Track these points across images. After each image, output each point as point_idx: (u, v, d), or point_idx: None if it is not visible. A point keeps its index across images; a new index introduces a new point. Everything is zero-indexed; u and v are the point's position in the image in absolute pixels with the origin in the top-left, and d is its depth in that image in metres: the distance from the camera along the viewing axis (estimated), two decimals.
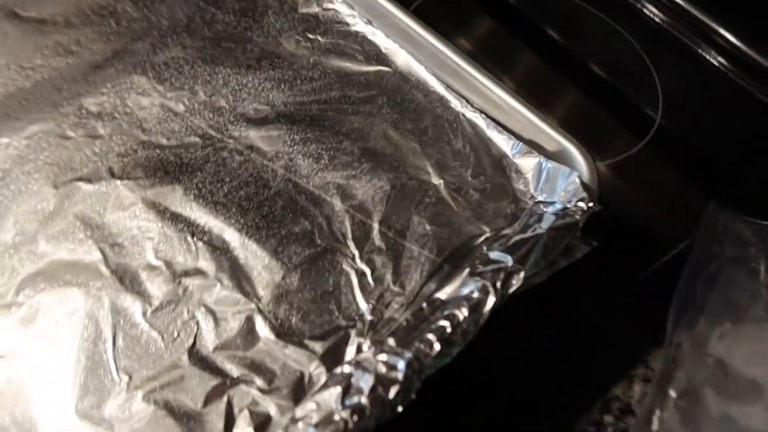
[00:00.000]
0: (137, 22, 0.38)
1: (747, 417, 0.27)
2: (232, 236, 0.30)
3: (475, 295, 0.27)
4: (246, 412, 0.25)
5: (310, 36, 0.40)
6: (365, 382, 0.24)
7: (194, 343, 0.27)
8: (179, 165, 0.33)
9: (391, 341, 0.26)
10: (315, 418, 0.23)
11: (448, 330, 0.26)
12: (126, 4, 0.39)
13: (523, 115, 0.36)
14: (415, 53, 0.39)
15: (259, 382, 0.26)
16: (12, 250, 0.29)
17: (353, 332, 0.28)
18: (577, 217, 0.30)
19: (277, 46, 0.39)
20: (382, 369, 0.24)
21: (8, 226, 0.29)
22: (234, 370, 0.26)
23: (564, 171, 0.33)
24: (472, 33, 0.45)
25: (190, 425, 0.25)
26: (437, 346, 0.25)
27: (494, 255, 0.29)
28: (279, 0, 0.41)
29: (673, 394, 0.26)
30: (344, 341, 0.28)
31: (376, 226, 0.32)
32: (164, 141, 0.33)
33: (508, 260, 0.28)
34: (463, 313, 0.26)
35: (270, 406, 0.26)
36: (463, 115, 0.37)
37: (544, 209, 0.32)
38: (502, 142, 0.35)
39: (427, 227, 0.32)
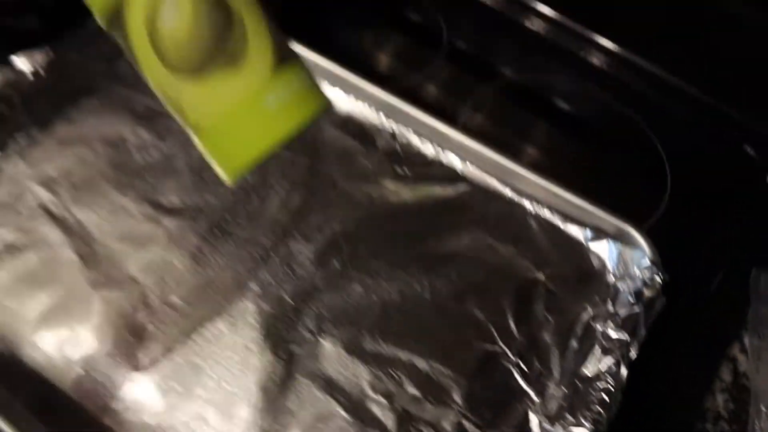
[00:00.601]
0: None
1: None
2: (420, 362, 0.40)
3: (613, 369, 0.38)
4: None
5: (399, 171, 0.49)
6: None
7: None
8: None
9: (569, 416, 0.37)
10: None
11: (607, 400, 0.37)
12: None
13: (584, 207, 0.47)
14: (483, 166, 0.49)
15: None
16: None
17: (530, 412, 0.39)
18: (657, 287, 0.42)
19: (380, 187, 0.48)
20: None
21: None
22: None
23: (632, 251, 0.44)
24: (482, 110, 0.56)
25: None
26: (605, 414, 0.36)
27: (614, 334, 0.40)
28: (363, 143, 0.50)
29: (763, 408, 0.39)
30: (525, 421, 0.38)
31: (512, 324, 0.42)
32: None
33: (626, 336, 0.39)
34: (611, 385, 0.38)
35: None
36: (537, 214, 0.47)
37: (629, 286, 0.43)
38: (575, 231, 0.46)
39: (547, 315, 0.43)
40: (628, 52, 0.59)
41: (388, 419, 0.37)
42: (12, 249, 0.41)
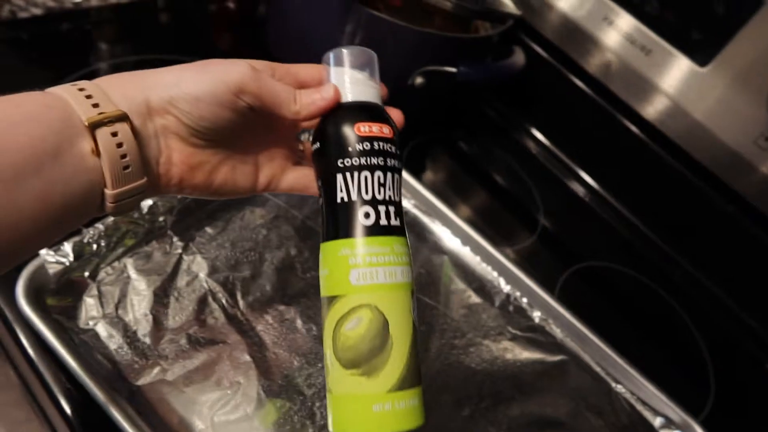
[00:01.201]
0: None
1: None
2: None
3: None
4: None
5: (512, 330, 0.57)
6: None
7: None
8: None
9: None
10: None
11: None
12: None
13: (659, 396, 0.55)
14: (578, 341, 0.58)
15: None
16: None
17: None
18: None
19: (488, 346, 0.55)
20: None
21: None
22: None
23: None
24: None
25: None
26: None
27: None
28: (489, 300, 0.58)
29: None
30: None
31: None
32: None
33: None
34: None
35: None
36: (620, 393, 0.56)
37: None
38: (649, 415, 0.55)
39: None
40: (703, 275, 0.71)
41: None
42: (196, 343, 0.46)
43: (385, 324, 0.32)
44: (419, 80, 0.61)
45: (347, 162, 0.33)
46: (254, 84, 0.32)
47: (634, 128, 0.74)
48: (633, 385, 0.56)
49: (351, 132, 0.33)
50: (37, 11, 0.62)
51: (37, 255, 0.43)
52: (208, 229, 0.53)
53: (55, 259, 0.43)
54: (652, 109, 0.70)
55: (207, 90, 0.31)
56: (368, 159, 0.33)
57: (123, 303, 0.46)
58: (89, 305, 0.45)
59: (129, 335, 0.44)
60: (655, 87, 0.69)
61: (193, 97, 0.31)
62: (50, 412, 0.43)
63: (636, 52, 0.68)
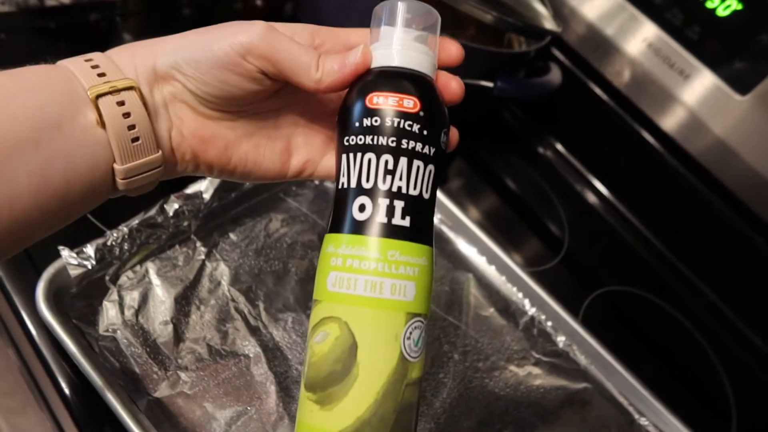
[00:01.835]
0: None
1: None
2: None
3: None
4: None
5: (535, 354, 0.55)
6: None
7: None
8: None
9: None
10: None
11: None
12: None
13: (683, 430, 0.54)
14: (602, 369, 0.56)
15: None
16: None
17: None
18: None
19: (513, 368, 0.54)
20: None
21: None
22: None
23: None
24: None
25: None
26: None
27: None
28: (514, 322, 0.56)
29: None
30: None
31: None
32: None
33: None
34: None
35: None
36: (640, 424, 0.54)
37: None
38: None
39: None
40: (727, 306, 0.70)
41: None
42: (216, 354, 0.44)
43: (353, 348, 0.26)
44: None
45: (351, 140, 0.28)
46: (265, 45, 0.27)
47: (664, 151, 0.73)
48: (657, 418, 0.54)
49: (360, 103, 0.27)
50: (65, 0, 0.61)
51: (58, 257, 0.41)
52: (232, 236, 0.51)
53: (77, 261, 0.42)
54: (686, 133, 0.69)
55: (209, 51, 0.27)
56: (374, 138, 0.27)
57: (143, 309, 0.44)
58: (109, 311, 0.43)
59: (149, 344, 0.43)
60: (691, 112, 0.67)
61: (194, 59, 0.27)
62: (62, 416, 0.41)
63: (674, 75, 0.67)
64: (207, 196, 0.49)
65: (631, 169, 0.77)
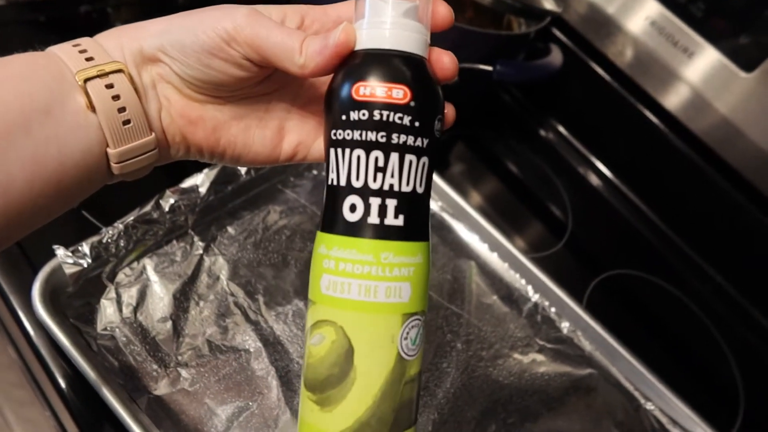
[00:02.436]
0: None
1: None
2: None
3: None
4: None
5: (539, 341, 0.55)
6: None
7: None
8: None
9: None
10: None
11: None
12: None
13: (690, 416, 0.53)
14: (607, 355, 0.56)
15: None
16: None
17: None
18: None
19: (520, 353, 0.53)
20: None
21: None
22: None
23: None
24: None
25: None
26: None
27: None
28: (517, 309, 0.56)
29: None
30: None
31: None
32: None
33: None
34: None
35: None
36: (649, 411, 0.54)
37: None
38: None
39: None
40: (735, 289, 0.69)
41: None
42: (216, 350, 0.44)
43: (349, 352, 0.25)
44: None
45: (339, 134, 0.26)
46: (248, 31, 0.26)
47: (668, 131, 0.71)
48: (663, 403, 0.54)
49: (346, 94, 0.26)
50: None
51: (53, 255, 0.41)
52: (230, 229, 0.51)
53: (72, 260, 0.41)
54: (690, 113, 0.68)
55: (193, 35, 0.27)
56: (362, 133, 0.25)
57: (142, 307, 0.44)
58: (107, 309, 0.43)
59: (148, 341, 0.43)
60: (695, 91, 0.66)
61: (180, 43, 0.27)
62: (64, 418, 0.41)
63: (677, 53, 0.65)
64: (203, 189, 0.49)
65: (635, 150, 0.76)
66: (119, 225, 0.44)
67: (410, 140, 0.26)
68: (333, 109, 0.26)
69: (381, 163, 0.25)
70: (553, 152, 0.79)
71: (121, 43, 0.28)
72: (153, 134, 0.28)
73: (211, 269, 0.48)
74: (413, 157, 0.26)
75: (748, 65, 0.61)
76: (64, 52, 0.27)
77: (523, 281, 0.58)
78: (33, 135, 0.24)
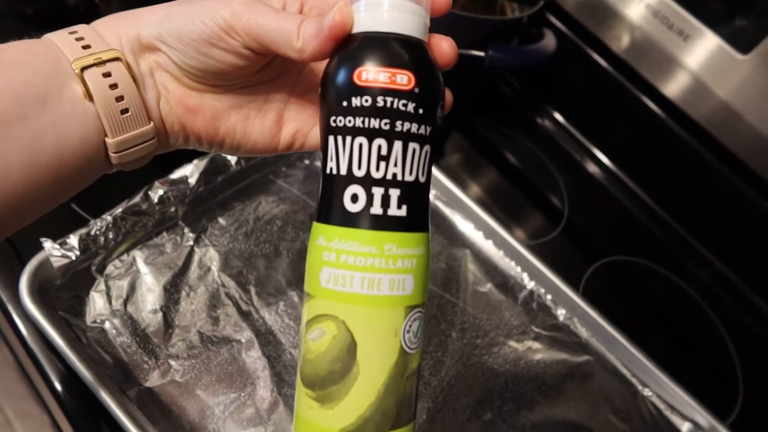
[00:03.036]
0: None
1: None
2: None
3: None
4: None
5: (535, 329, 0.54)
6: None
7: None
8: None
9: None
10: None
11: None
12: None
13: (689, 402, 0.53)
14: (603, 342, 0.55)
15: None
16: None
17: None
18: None
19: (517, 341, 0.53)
20: None
21: None
22: None
23: None
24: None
25: None
26: None
27: None
28: (512, 297, 0.55)
29: None
30: None
31: None
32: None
33: None
34: None
35: None
36: (646, 397, 0.54)
37: None
38: (677, 420, 0.53)
39: None
40: (734, 275, 0.68)
41: None
42: (208, 341, 0.44)
43: (352, 347, 0.24)
44: None
45: (339, 121, 0.25)
46: (246, 19, 0.26)
47: (665, 116, 0.70)
48: (661, 389, 0.53)
49: (348, 79, 0.25)
50: None
51: (41, 248, 0.41)
52: (221, 220, 0.50)
53: (60, 252, 0.41)
54: (688, 97, 0.67)
55: (191, 24, 0.26)
56: (364, 120, 0.24)
57: (132, 299, 0.44)
58: (96, 301, 0.43)
59: (138, 333, 0.42)
60: (692, 75, 0.65)
61: (178, 31, 0.27)
62: (55, 412, 0.41)
63: (673, 36, 0.64)
64: (192, 180, 0.48)
65: (632, 136, 0.75)
66: (107, 217, 0.44)
67: (414, 128, 0.25)
68: (331, 94, 0.25)
69: (384, 152, 0.24)
70: (550, 139, 0.78)
71: (119, 30, 0.27)
72: (151, 123, 0.28)
73: (201, 260, 0.47)
74: (416, 146, 0.25)
75: (744, 47, 0.60)
76: (61, 39, 0.26)
77: (518, 269, 0.57)
78: (29, 124, 0.24)
